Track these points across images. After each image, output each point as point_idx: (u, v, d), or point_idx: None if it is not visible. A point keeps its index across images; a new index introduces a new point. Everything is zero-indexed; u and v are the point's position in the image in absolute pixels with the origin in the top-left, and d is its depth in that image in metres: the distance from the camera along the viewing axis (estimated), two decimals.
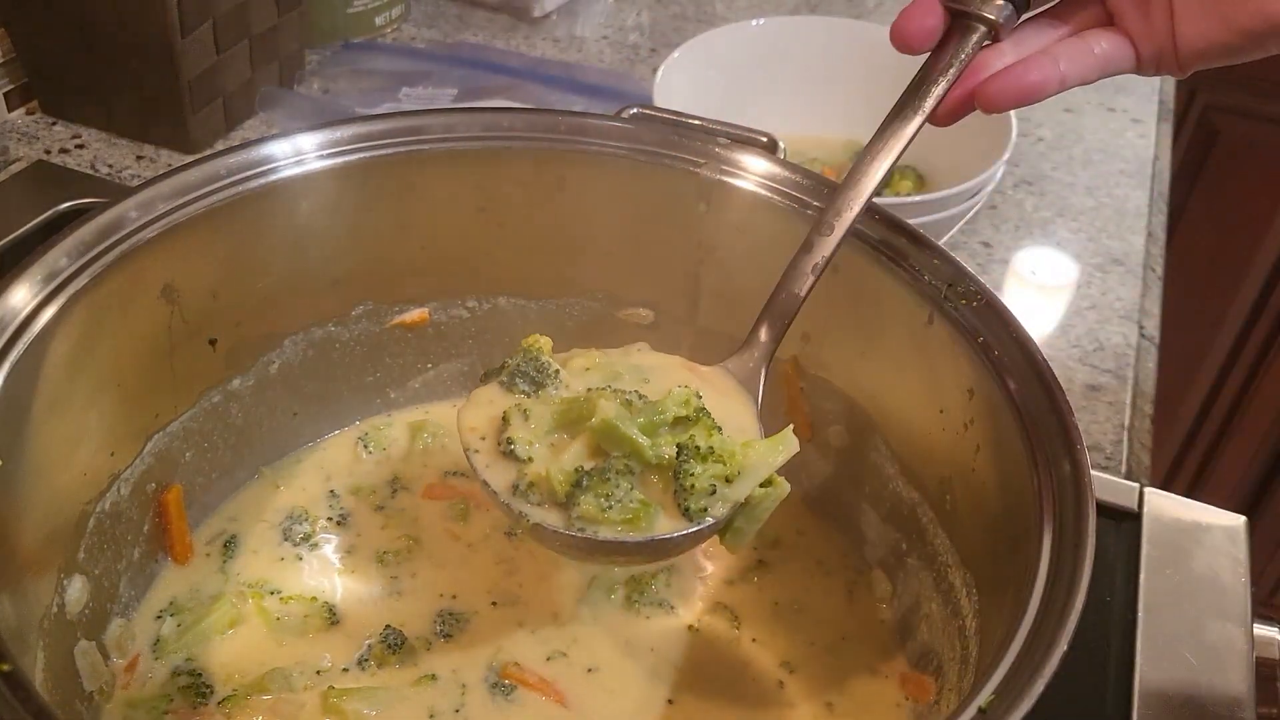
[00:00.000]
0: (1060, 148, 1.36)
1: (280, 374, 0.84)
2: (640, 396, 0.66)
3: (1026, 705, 0.50)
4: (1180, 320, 1.51)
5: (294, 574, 0.80)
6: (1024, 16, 0.68)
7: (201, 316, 0.76)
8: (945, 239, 1.09)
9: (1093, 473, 0.60)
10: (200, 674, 0.73)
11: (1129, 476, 0.94)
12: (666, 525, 0.64)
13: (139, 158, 1.22)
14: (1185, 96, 1.99)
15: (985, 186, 1.08)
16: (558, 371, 0.69)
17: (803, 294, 0.69)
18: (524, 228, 0.85)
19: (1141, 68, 0.67)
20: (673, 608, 0.79)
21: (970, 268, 0.71)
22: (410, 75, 1.37)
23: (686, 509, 0.63)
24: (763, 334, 0.71)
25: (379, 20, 1.47)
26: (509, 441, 0.66)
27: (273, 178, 0.75)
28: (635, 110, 0.82)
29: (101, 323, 0.68)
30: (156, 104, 1.18)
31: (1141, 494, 0.85)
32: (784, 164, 0.79)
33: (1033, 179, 1.30)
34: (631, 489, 0.64)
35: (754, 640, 0.78)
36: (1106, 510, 0.83)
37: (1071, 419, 0.62)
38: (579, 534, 0.63)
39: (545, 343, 0.70)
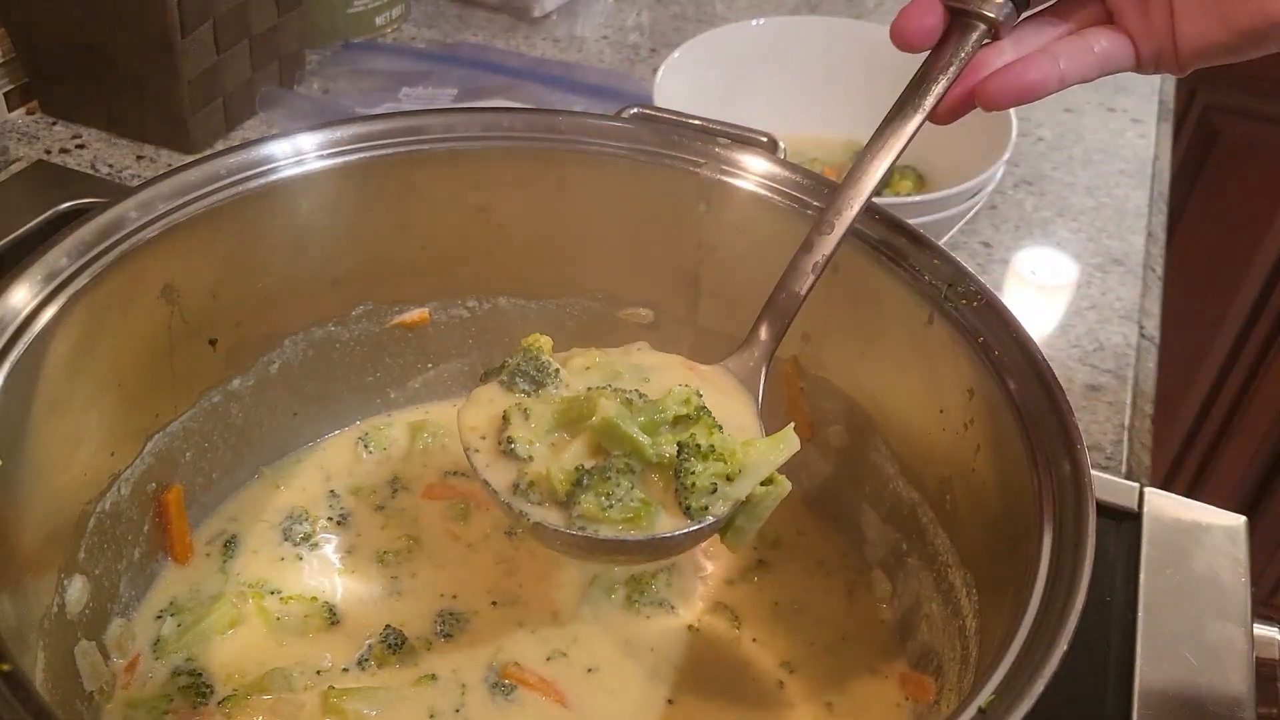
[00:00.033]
0: (1060, 148, 1.36)
1: (280, 374, 0.84)
2: (640, 395, 0.66)
3: (1026, 705, 0.50)
4: (1180, 320, 1.51)
5: (294, 574, 0.80)
6: (1024, 15, 0.68)
7: (201, 316, 0.76)
8: (945, 239, 1.09)
9: (1093, 473, 0.60)
10: (200, 674, 0.73)
11: (1129, 476, 0.94)
12: (667, 524, 0.63)
13: (139, 158, 1.22)
14: (1185, 96, 1.99)
15: (985, 186, 1.08)
16: (558, 371, 0.69)
17: (803, 293, 0.69)
18: (524, 228, 0.85)
19: (1141, 66, 0.67)
20: (673, 608, 0.79)
21: (970, 268, 0.71)
22: (410, 75, 1.37)
23: (687, 507, 0.63)
24: (763, 333, 0.71)
25: (379, 20, 1.47)
26: (509, 440, 0.66)
27: (273, 178, 0.75)
28: (635, 110, 0.82)
29: (101, 323, 0.68)
30: (156, 104, 1.18)
31: (1141, 494, 0.85)
32: (784, 164, 0.79)
33: (1033, 179, 1.30)
34: (632, 488, 0.64)
35: (754, 640, 0.78)
36: (1106, 510, 0.83)
37: (1071, 419, 0.62)
38: (580, 533, 0.63)
39: (545, 342, 0.70)
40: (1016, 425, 0.64)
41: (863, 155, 0.69)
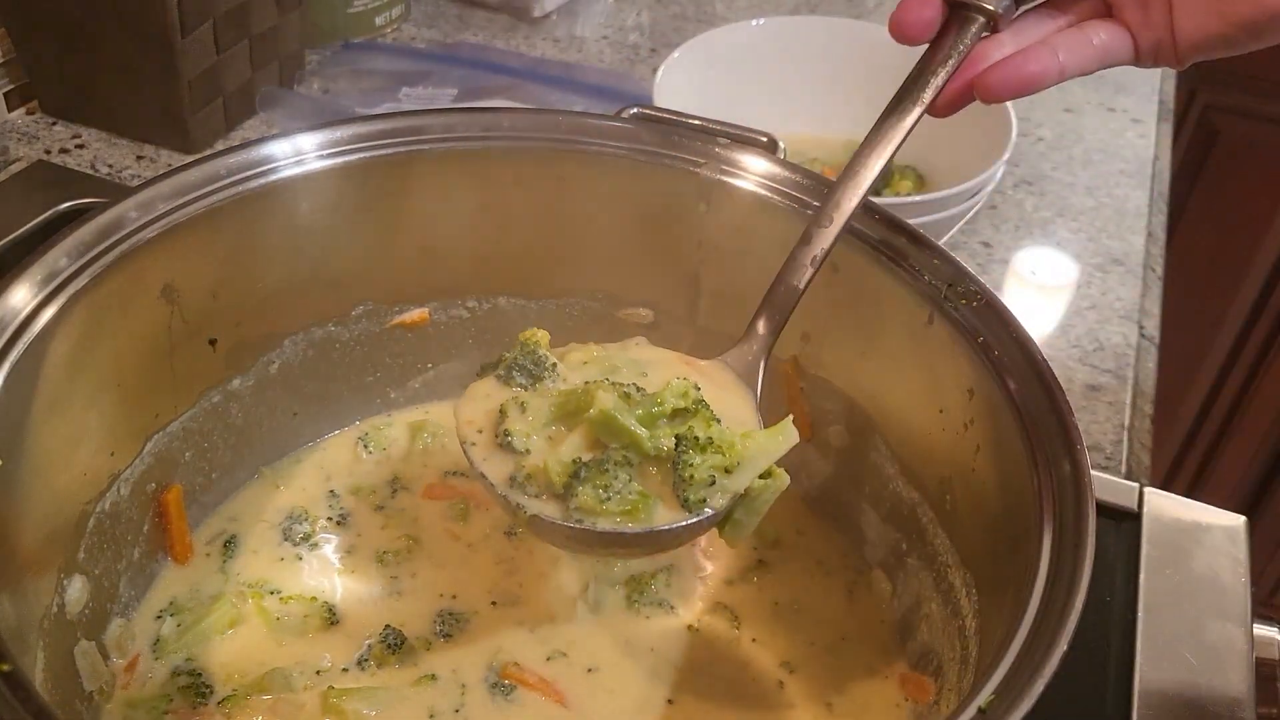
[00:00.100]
0: (1060, 148, 1.36)
1: (280, 374, 0.84)
2: (638, 389, 0.66)
3: (1026, 705, 0.50)
4: (1180, 320, 1.51)
5: (294, 574, 0.80)
6: (1023, 8, 0.68)
7: (201, 316, 0.76)
8: (945, 239, 1.09)
9: (1093, 473, 0.60)
10: (200, 674, 0.73)
11: (1129, 476, 0.94)
12: (665, 516, 0.63)
13: (139, 158, 1.22)
14: (1185, 96, 1.99)
15: (985, 186, 1.08)
16: (555, 365, 0.69)
17: (801, 286, 0.69)
18: (524, 228, 0.85)
19: (1140, 59, 0.67)
20: (673, 608, 0.79)
21: (970, 268, 0.71)
22: (410, 75, 1.37)
23: (685, 500, 0.63)
24: (761, 327, 0.71)
25: (379, 20, 1.47)
26: (506, 434, 0.66)
27: (273, 178, 0.75)
28: (635, 110, 0.82)
29: (101, 323, 0.68)
30: (156, 104, 1.18)
31: (1141, 494, 0.85)
32: (784, 164, 0.79)
33: (1033, 179, 1.30)
34: (630, 480, 0.63)
35: (754, 640, 0.78)
36: (1106, 510, 0.83)
37: (1071, 419, 0.62)
38: (577, 525, 0.63)
39: (542, 336, 0.70)
40: (1016, 425, 0.64)
41: (862, 149, 0.69)
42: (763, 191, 0.78)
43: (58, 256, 0.66)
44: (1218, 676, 0.73)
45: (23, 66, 1.23)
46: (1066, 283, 1.16)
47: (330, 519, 0.84)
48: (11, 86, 1.24)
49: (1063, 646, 0.52)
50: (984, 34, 0.67)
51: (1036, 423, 0.63)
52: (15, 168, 1.16)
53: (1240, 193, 2.07)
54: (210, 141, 1.23)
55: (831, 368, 0.81)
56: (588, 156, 0.81)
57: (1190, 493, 1.27)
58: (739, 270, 0.81)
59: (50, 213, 1.06)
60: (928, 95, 0.67)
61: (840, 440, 0.82)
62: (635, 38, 1.53)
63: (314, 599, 0.78)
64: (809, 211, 0.75)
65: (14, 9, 1.17)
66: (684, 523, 0.63)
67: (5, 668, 0.50)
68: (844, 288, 0.75)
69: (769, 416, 0.70)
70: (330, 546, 0.82)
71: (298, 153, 0.76)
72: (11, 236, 1.03)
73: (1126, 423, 0.99)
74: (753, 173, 0.79)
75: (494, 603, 0.79)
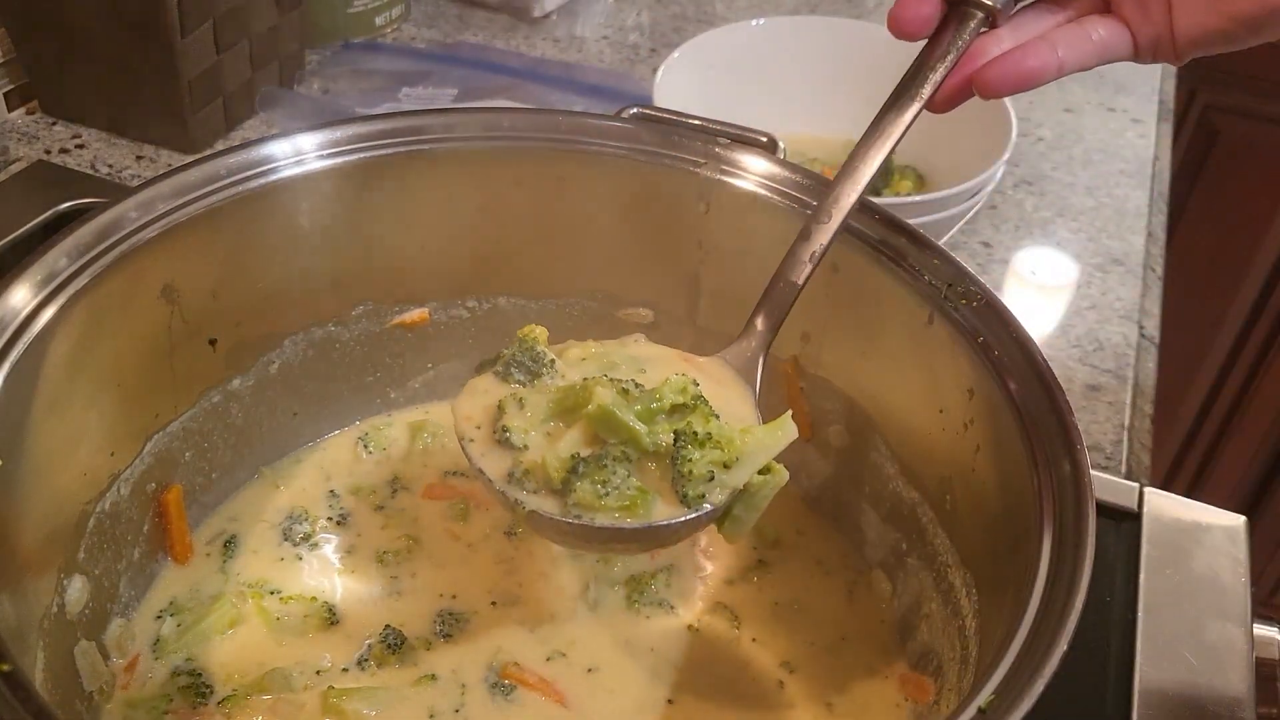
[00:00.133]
0: (1060, 148, 1.36)
1: (280, 374, 0.84)
2: (637, 385, 0.66)
3: (1026, 705, 0.50)
4: (1180, 320, 1.51)
5: (294, 574, 0.80)
6: (1021, 3, 0.68)
7: (201, 316, 0.76)
8: (945, 239, 1.09)
9: (1093, 473, 0.60)
10: (200, 674, 0.73)
11: (1129, 476, 0.94)
12: (664, 512, 0.63)
13: (139, 158, 1.22)
14: (1185, 96, 1.99)
15: (985, 186, 1.08)
16: (553, 361, 0.69)
17: (800, 282, 0.69)
18: (524, 228, 0.85)
19: (1139, 55, 0.67)
20: (673, 608, 0.79)
21: (970, 268, 0.71)
22: (410, 75, 1.37)
23: (684, 495, 0.63)
24: (760, 323, 0.71)
25: (379, 20, 1.47)
26: (504, 430, 0.66)
27: (273, 178, 0.75)
28: (635, 110, 0.82)
29: (101, 323, 0.68)
30: (156, 104, 1.18)
31: (1141, 494, 0.85)
32: (784, 164, 0.79)
33: (1033, 179, 1.30)
34: (628, 476, 0.63)
35: (754, 640, 0.78)
36: (1106, 510, 0.83)
37: (1071, 419, 0.62)
38: (575, 520, 0.63)
39: (541, 332, 0.70)
40: (1016, 425, 0.63)
41: (860, 145, 0.69)
42: (763, 191, 0.78)
43: (58, 256, 0.66)
44: (1218, 676, 0.73)
45: (23, 66, 1.23)
46: (1066, 283, 1.16)
47: (330, 519, 0.84)
48: (11, 86, 1.24)
49: (1063, 646, 0.52)
50: (982, 29, 0.67)
51: (1036, 423, 0.63)
52: (15, 168, 1.16)
53: (1240, 193, 2.07)
54: (210, 141, 1.23)
55: (831, 368, 0.81)
56: (588, 156, 0.81)
57: (1190, 493, 1.27)
58: (739, 270, 0.81)
59: (50, 213, 1.06)
60: (926, 91, 0.67)
61: (840, 440, 0.82)
62: (635, 38, 1.53)
63: (314, 599, 0.78)
64: (809, 211, 0.75)
65: (14, 9, 1.17)
66: (683, 518, 0.63)
67: (5, 668, 0.50)
68: (844, 288, 0.75)
69: (768, 416, 0.69)
70: (330, 546, 0.82)
71: (298, 153, 0.76)
72: (11, 236, 1.03)
73: (1126, 423, 0.99)
74: (753, 173, 0.79)
75: (494, 603, 0.79)
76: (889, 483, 0.78)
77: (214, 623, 0.75)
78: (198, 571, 0.80)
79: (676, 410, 0.65)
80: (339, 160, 0.77)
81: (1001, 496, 0.66)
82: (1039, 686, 0.50)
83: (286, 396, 0.85)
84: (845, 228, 0.70)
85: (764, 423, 0.68)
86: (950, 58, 0.66)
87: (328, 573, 0.81)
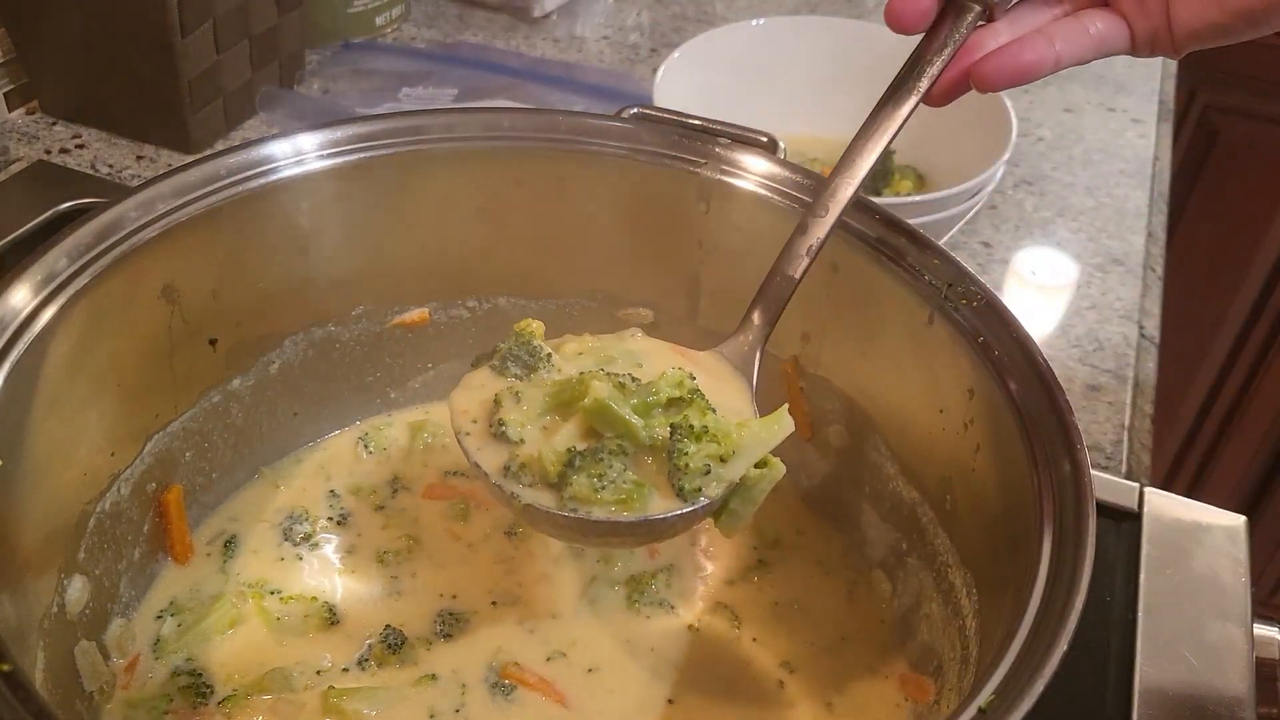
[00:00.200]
0: (1060, 148, 1.36)
1: (280, 374, 0.84)
2: (633, 379, 0.66)
3: (1026, 705, 0.50)
4: (1180, 320, 1.51)
5: (294, 574, 0.80)
6: None
7: (201, 316, 0.76)
8: (945, 239, 1.09)
9: (1093, 473, 0.60)
10: (200, 674, 0.73)
11: (1129, 476, 0.94)
12: (660, 505, 0.63)
13: (139, 158, 1.22)
14: (1185, 96, 1.99)
15: (985, 186, 1.08)
16: (550, 355, 0.69)
17: (797, 276, 0.69)
18: (524, 228, 0.85)
19: (1136, 48, 0.67)
20: (673, 607, 0.79)
21: (970, 268, 0.71)
22: (410, 75, 1.37)
23: (680, 489, 0.63)
24: (756, 317, 0.71)
25: (379, 20, 1.47)
26: (500, 424, 0.65)
27: (273, 178, 0.75)
28: (635, 110, 0.82)
29: (101, 323, 0.68)
30: (156, 104, 1.18)
31: (1141, 494, 0.85)
32: (784, 164, 0.79)
33: (1033, 179, 1.30)
34: (625, 469, 0.63)
35: (754, 640, 0.78)
36: (1106, 510, 0.83)
37: (1071, 419, 0.62)
38: (571, 514, 0.63)
39: (537, 327, 0.70)
40: (1016, 425, 0.63)
41: (857, 139, 0.69)
42: (763, 191, 0.78)
43: (58, 257, 0.66)
44: (1218, 676, 0.73)
45: (23, 66, 1.23)
46: (1066, 283, 1.16)
47: (330, 519, 0.84)
48: (11, 86, 1.24)
49: (1063, 646, 0.52)
50: (980, 23, 0.67)
51: (1036, 423, 0.63)
52: (15, 168, 1.16)
53: (1240, 193, 2.07)
54: (210, 141, 1.23)
55: (831, 367, 0.81)
56: (588, 156, 0.81)
57: (1190, 493, 1.27)
58: (739, 270, 0.81)
59: (50, 213, 1.06)
60: (923, 85, 0.67)
61: (840, 440, 0.82)
62: (635, 38, 1.53)
63: (314, 599, 0.78)
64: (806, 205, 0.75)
65: (14, 9, 1.17)
66: (679, 511, 0.63)
67: (5, 668, 0.50)
68: (844, 288, 0.75)
69: (766, 413, 0.70)
70: (330, 546, 0.82)
71: (298, 153, 0.76)
72: (11, 236, 1.03)
73: (1126, 423, 0.99)
74: (753, 173, 0.79)
75: (494, 602, 0.79)
76: (889, 482, 0.78)
77: (214, 623, 0.75)
78: (198, 571, 0.80)
79: (673, 404, 0.65)
80: (339, 160, 0.77)
81: (1001, 496, 0.66)
82: (1039, 686, 0.50)
83: (287, 396, 0.85)
84: (844, 225, 0.70)
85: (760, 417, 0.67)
86: (947, 51, 0.66)
87: (328, 573, 0.81)
